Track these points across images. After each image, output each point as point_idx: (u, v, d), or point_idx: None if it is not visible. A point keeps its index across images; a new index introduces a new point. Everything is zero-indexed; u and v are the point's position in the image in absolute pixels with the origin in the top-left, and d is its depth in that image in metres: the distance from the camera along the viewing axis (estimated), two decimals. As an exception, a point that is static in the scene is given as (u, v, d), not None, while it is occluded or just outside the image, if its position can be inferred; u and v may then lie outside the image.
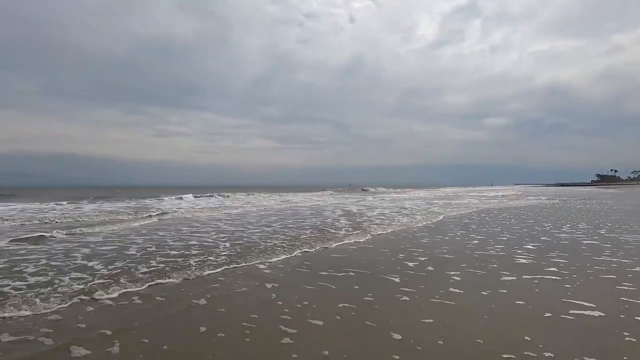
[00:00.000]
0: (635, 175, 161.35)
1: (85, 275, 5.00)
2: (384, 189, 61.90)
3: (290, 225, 10.69)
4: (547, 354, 2.67)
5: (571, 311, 3.59)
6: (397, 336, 3.05)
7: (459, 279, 4.88)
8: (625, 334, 3.04)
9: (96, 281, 4.71)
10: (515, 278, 4.87)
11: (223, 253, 6.58)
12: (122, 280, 4.70)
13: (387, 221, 11.67)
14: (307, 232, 9.31)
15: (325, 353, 2.74)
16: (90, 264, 5.75)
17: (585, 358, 2.62)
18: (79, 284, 4.54)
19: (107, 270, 5.27)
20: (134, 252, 6.69)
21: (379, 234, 8.96)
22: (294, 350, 2.78)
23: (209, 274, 5.14)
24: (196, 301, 3.98)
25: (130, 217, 13.03)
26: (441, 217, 13.10)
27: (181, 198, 25.61)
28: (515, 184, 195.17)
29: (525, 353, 2.70)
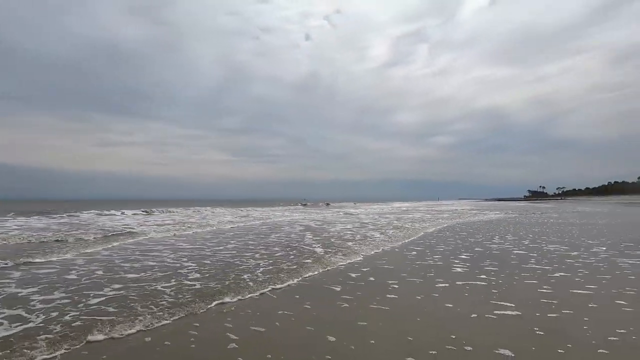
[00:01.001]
0: (560, 191, 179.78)
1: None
2: (344, 204, 62.90)
3: (275, 250, 8.60)
4: (467, 348, 3.00)
5: (495, 311, 3.97)
6: (332, 338, 3.24)
7: (397, 286, 5.16)
8: (536, 329, 3.46)
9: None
10: (448, 285, 5.25)
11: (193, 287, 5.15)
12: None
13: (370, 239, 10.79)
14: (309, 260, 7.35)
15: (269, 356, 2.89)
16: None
17: (499, 349, 2.96)
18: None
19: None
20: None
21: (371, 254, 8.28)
22: (240, 354, 2.94)
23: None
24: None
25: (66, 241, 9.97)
26: (421, 233, 13.10)
27: (147, 212, 23.97)
28: (460, 199, 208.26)
29: (448, 347, 3.03)
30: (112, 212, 24.33)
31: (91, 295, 4.74)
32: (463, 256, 7.72)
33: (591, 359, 2.86)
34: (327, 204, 55.38)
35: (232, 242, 10.25)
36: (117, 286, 5.20)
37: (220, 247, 9.09)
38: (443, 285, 5.25)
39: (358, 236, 11.53)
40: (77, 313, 3.99)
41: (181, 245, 9.43)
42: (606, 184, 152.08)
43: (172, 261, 7.19)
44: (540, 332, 3.35)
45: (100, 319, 3.76)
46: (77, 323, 3.67)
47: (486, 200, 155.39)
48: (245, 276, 5.82)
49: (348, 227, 15.00)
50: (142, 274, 6.06)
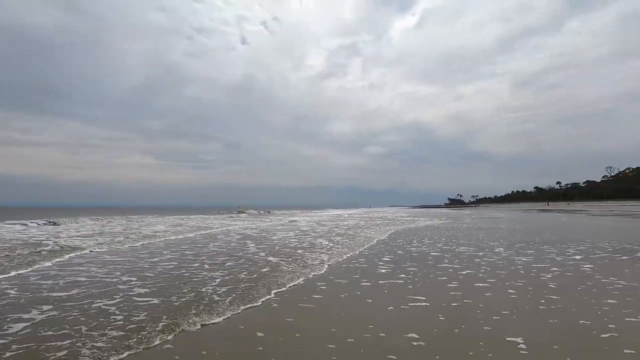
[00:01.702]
0: (474, 199, 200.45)
1: None
2: (284, 211, 61.65)
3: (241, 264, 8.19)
4: (381, 334, 3.46)
5: (409, 304, 4.49)
6: (261, 334, 3.51)
7: (324, 287, 5.50)
8: (440, 315, 4.04)
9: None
10: (370, 284, 5.72)
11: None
12: None
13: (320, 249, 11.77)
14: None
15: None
16: None
17: (408, 334, 3.47)
18: None
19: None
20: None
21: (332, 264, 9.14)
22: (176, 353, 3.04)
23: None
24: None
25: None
26: (375, 240, 13.87)
27: (54, 222, 20.07)
28: (389, 206, 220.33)
29: (365, 335, 3.46)
30: (10, 222, 20.73)
31: (14, 319, 4.00)
32: (386, 258, 8.37)
33: (477, 334, 3.47)
34: (268, 212, 54.53)
35: (170, 253, 9.50)
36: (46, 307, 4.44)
37: (156, 259, 8.43)
38: (367, 284, 5.71)
39: (305, 244, 11.66)
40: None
41: (113, 259, 8.47)
42: (510, 192, 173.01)
43: (111, 278, 6.36)
44: (442, 318, 3.94)
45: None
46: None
47: (413, 207, 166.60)
48: (204, 289, 5.37)
49: (290, 234, 15.17)
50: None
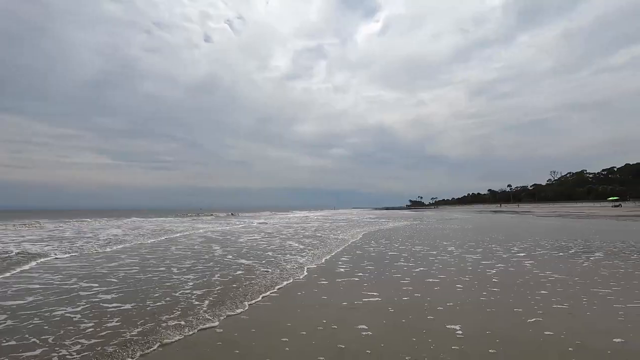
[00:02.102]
0: (434, 201, 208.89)
1: None
2: (250, 214, 60.12)
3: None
4: (333, 326, 3.68)
5: (363, 300, 4.72)
6: (220, 330, 3.54)
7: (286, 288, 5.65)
8: (390, 308, 4.32)
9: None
10: (328, 282, 5.92)
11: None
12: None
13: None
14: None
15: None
16: None
17: (358, 325, 3.71)
18: None
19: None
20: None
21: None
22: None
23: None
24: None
25: None
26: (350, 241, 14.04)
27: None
28: (353, 207, 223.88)
29: (319, 328, 3.66)
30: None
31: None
32: (345, 259, 8.63)
33: (421, 323, 3.79)
34: (232, 214, 53.36)
35: (133, 258, 9.05)
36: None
37: (116, 264, 8.22)
38: (324, 282, 5.89)
39: (273, 245, 11.66)
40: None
41: (67, 266, 7.94)
42: (467, 195, 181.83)
43: (70, 285, 6.07)
44: (392, 310, 4.22)
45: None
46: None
47: (376, 209, 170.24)
48: (177, 293, 5.19)
49: (256, 237, 15.06)
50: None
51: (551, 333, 3.49)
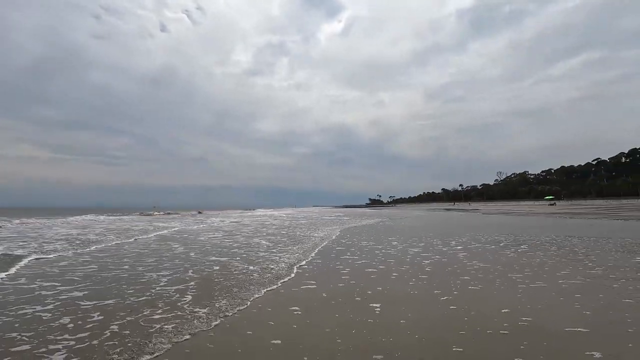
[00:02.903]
0: (392, 199, 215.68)
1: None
2: (211, 212, 57.16)
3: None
4: (268, 309, 3.96)
5: (301, 287, 5.06)
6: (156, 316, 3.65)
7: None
8: (324, 294, 4.73)
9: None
10: (271, 275, 6.20)
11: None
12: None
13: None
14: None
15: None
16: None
17: (291, 307, 4.10)
18: None
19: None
20: None
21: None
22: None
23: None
24: None
25: None
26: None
27: None
28: (314, 206, 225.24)
29: (252, 311, 3.92)
30: None
31: None
32: (295, 247, 8.95)
33: (348, 303, 4.21)
34: (199, 212, 51.26)
35: (93, 262, 7.73)
36: None
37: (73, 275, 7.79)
38: (270, 275, 6.17)
39: (244, 243, 11.65)
40: None
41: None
42: (422, 193, 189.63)
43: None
44: (325, 295, 4.62)
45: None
46: None
47: (336, 207, 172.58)
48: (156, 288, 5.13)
49: (217, 235, 14.88)
50: None
51: (455, 307, 4.07)
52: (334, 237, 12.88)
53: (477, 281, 5.45)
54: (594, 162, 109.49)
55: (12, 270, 6.53)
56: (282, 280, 5.57)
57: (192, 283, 5.42)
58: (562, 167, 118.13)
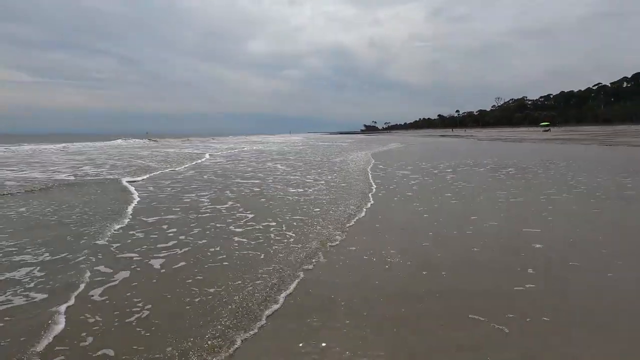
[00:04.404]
0: (387, 126, 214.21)
1: None
2: (206, 138, 52.98)
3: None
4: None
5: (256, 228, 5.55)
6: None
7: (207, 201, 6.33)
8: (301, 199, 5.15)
9: None
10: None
11: None
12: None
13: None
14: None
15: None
16: None
17: (233, 237, 4.48)
18: None
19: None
20: None
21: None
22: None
23: None
24: None
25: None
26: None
27: None
28: (308, 132, 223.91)
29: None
30: None
31: None
32: (248, 175, 9.44)
33: (311, 210, 4.68)
34: (213, 139, 48.03)
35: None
36: None
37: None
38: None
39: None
40: None
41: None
42: (418, 119, 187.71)
43: None
44: (271, 236, 5.07)
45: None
46: None
47: (332, 134, 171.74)
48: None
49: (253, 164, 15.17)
50: None
51: (427, 215, 4.75)
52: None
53: (457, 197, 6.01)
54: (594, 87, 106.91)
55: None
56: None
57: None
58: (562, 92, 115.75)
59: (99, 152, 19.93)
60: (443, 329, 2.04)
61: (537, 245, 3.48)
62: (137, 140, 39.40)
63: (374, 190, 6.76)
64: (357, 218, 4.56)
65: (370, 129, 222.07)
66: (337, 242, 3.61)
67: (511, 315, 2.16)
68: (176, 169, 11.22)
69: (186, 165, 12.23)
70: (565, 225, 4.16)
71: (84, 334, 1.98)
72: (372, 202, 5.63)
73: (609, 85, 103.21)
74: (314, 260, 3.10)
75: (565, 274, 2.80)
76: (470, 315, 2.17)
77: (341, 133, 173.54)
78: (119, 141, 34.44)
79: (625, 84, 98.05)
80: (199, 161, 14.11)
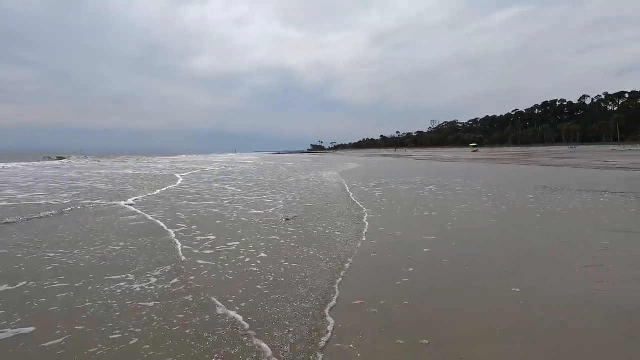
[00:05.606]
0: (333, 145, 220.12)
1: None
2: (158, 158, 48.05)
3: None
4: (193, 227, 4.73)
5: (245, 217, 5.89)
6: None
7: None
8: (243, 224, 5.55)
9: None
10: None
11: None
12: None
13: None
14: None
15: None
16: None
17: (207, 235, 4.81)
18: None
19: None
20: None
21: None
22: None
23: None
24: None
25: None
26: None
27: None
28: (255, 151, 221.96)
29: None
30: None
31: None
32: (232, 185, 9.70)
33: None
34: (152, 158, 43.67)
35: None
36: None
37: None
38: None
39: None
40: None
41: None
42: (362, 140, 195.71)
43: None
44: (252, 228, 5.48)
45: None
46: None
47: (280, 153, 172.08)
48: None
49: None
50: None
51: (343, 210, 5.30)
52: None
53: (378, 213, 6.69)
54: (513, 113, 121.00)
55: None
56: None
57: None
58: (487, 116, 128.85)
59: None
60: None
61: (426, 250, 4.23)
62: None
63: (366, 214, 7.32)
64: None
65: (317, 148, 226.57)
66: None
67: (382, 302, 2.80)
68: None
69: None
70: (458, 233, 4.99)
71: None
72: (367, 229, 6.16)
73: (524, 111, 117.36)
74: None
75: (439, 267, 3.54)
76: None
77: (289, 152, 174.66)
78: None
79: (537, 110, 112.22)
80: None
